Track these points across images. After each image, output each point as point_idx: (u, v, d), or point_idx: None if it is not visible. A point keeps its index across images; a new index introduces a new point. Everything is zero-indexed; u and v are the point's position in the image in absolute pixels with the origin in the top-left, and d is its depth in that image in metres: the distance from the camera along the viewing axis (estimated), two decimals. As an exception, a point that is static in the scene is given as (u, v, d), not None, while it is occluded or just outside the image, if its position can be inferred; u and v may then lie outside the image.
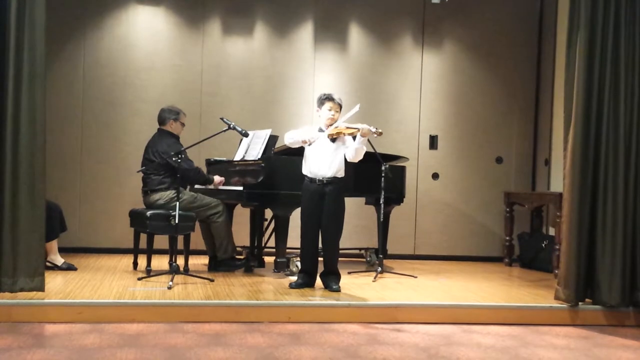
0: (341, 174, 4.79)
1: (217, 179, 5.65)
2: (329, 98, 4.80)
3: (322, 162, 4.74)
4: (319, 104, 4.85)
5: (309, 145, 4.73)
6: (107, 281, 4.84)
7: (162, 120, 5.56)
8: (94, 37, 6.73)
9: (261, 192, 5.27)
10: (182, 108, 5.76)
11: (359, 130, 4.60)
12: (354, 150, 4.69)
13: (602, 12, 4.46)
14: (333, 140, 4.74)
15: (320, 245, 4.85)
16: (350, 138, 4.76)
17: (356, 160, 4.77)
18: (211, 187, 5.69)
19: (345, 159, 4.79)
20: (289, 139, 4.79)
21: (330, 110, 4.78)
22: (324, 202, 4.74)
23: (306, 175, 4.81)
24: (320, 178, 4.74)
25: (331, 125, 4.74)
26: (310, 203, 4.78)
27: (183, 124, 5.62)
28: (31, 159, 3.98)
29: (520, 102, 7.42)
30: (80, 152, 6.71)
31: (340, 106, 4.82)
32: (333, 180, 4.75)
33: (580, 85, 4.43)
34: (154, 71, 6.81)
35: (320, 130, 4.78)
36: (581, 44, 4.44)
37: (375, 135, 4.63)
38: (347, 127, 4.66)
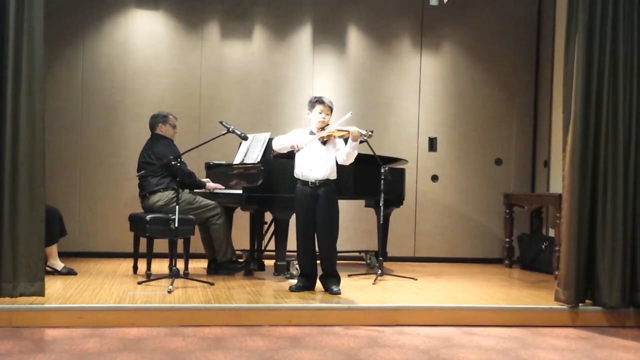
0: (333, 176, 4.79)
1: (210, 185, 5.67)
2: (319, 101, 4.80)
3: (314, 165, 4.74)
4: (310, 107, 4.85)
5: (297, 151, 4.72)
6: (107, 285, 4.84)
7: (152, 126, 5.63)
8: (92, 41, 6.73)
9: (260, 195, 5.27)
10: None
11: (349, 132, 4.61)
12: (345, 154, 4.71)
13: (600, 14, 4.47)
14: (324, 143, 4.74)
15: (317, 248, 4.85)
16: (341, 141, 4.77)
17: (347, 164, 4.79)
18: (205, 190, 5.70)
19: (337, 162, 4.80)
20: (277, 144, 4.81)
21: (320, 113, 4.78)
22: (317, 204, 4.74)
23: (298, 179, 4.81)
24: (313, 181, 4.74)
25: (322, 127, 4.75)
26: (304, 206, 4.78)
27: (174, 126, 5.63)
28: (30, 164, 3.99)
29: (519, 103, 7.43)
30: (80, 156, 6.71)
31: (331, 109, 4.82)
32: (325, 183, 4.74)
33: (578, 86, 4.43)
34: (152, 75, 6.81)
35: (312, 133, 4.79)
36: (579, 46, 4.45)
37: (366, 138, 4.65)
38: (338, 130, 4.68)
